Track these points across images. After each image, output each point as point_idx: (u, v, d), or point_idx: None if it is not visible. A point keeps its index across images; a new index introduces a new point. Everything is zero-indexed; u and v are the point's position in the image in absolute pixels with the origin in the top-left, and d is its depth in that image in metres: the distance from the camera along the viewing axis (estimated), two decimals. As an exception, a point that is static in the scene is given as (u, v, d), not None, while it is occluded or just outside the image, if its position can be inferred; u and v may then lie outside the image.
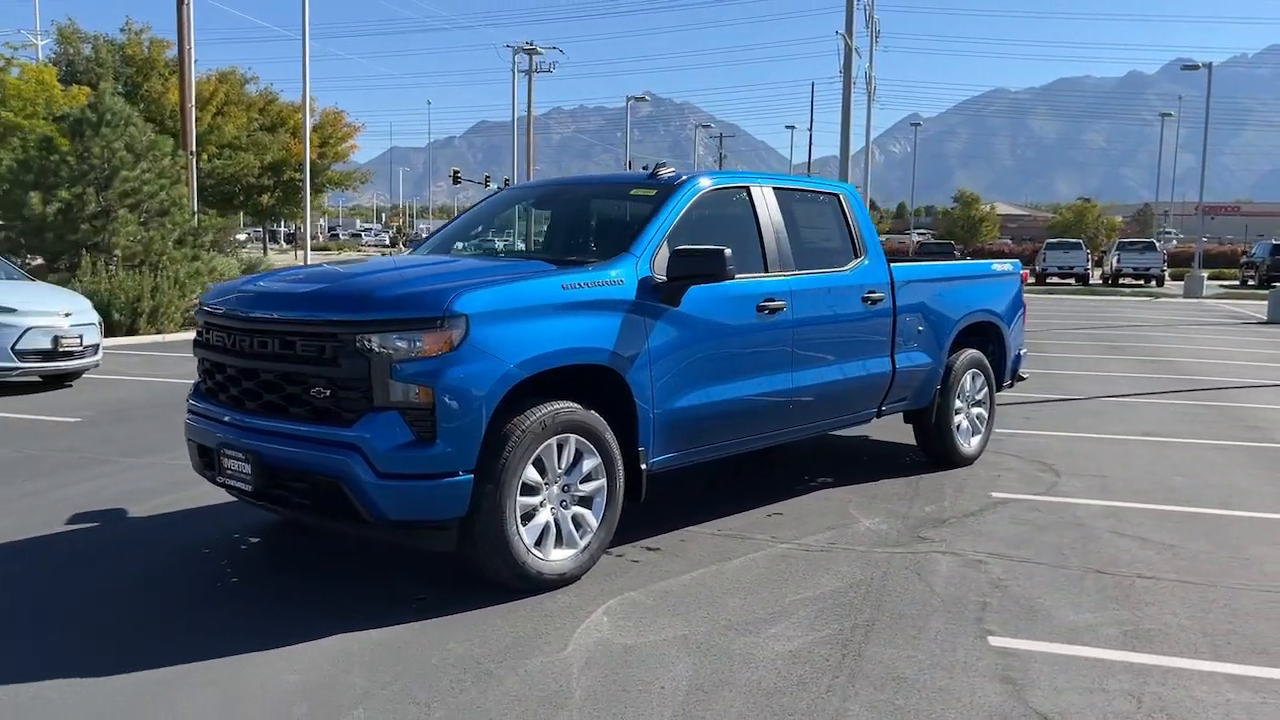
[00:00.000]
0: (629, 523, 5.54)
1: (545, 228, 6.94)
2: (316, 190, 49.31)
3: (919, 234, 73.45)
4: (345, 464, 4.47)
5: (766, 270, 6.09)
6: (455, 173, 62.29)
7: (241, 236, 53.44)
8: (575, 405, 4.93)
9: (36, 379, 11.10)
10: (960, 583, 5.12)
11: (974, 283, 7.88)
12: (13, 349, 10.45)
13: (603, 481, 5.09)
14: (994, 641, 4.37)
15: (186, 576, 5.11)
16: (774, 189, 6.36)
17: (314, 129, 48.05)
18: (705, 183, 5.98)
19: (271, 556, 5.51)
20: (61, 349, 10.82)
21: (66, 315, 11.04)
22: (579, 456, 5.00)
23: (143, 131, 21.03)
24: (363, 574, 5.21)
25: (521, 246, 7.88)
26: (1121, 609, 4.79)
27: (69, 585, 4.94)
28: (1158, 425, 9.69)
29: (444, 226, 7.02)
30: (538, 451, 4.78)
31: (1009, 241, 72.17)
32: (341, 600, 4.77)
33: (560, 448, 4.91)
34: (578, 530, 5.03)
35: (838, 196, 6.88)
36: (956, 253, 42.93)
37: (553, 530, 4.92)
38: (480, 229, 6.88)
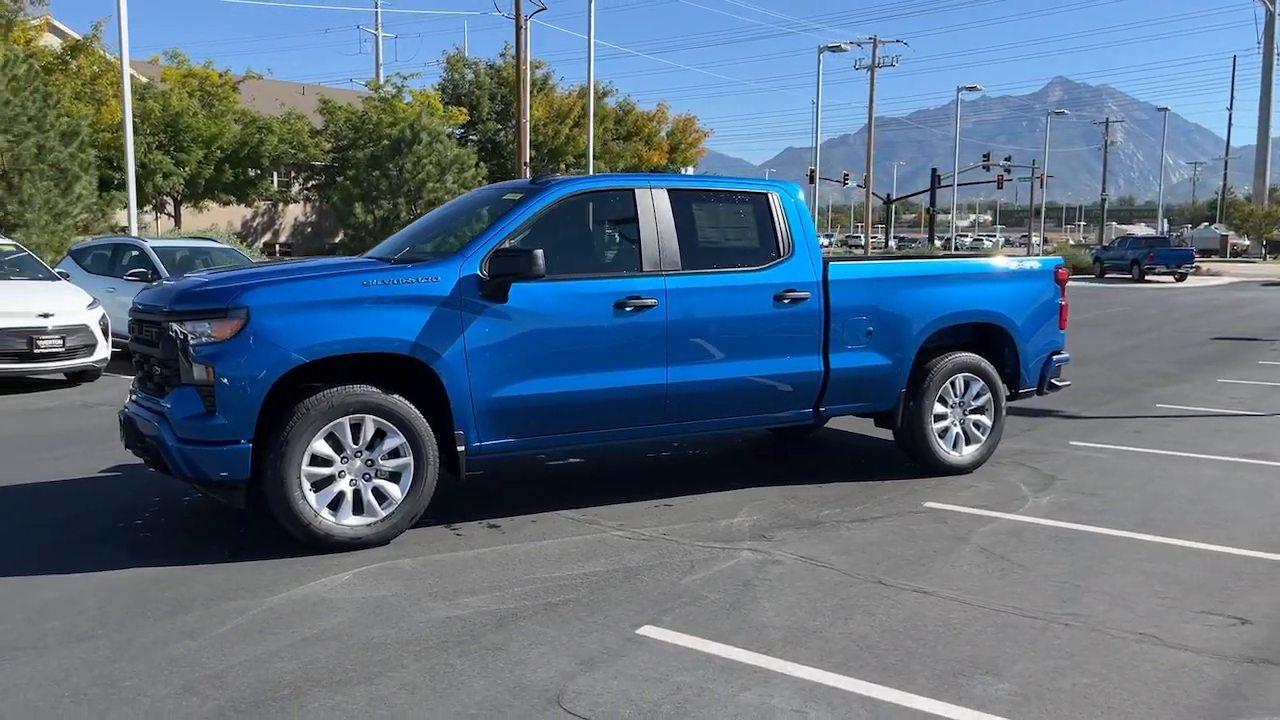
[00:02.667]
0: (496, 499, 6.06)
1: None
2: (666, 193, 51.77)
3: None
4: (159, 428, 5.44)
5: (642, 269, 6.32)
6: (811, 171, 62.76)
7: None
8: (370, 388, 5.56)
9: (61, 376, 11.86)
10: (721, 579, 5.16)
11: (958, 282, 7.44)
12: None
13: (409, 459, 5.67)
14: (640, 632, 4.48)
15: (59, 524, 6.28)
16: (669, 191, 6.54)
17: (666, 135, 50.72)
18: (571, 188, 6.33)
19: (166, 507, 6.54)
20: (38, 350, 11.04)
21: (45, 317, 11.10)
22: (381, 435, 5.62)
23: (449, 149, 23.72)
24: (235, 525, 6.08)
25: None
26: (842, 625, 4.66)
27: None
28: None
29: (405, 229, 7.77)
30: (328, 428, 5.47)
31: None
32: (167, 543, 5.72)
33: (357, 426, 5.55)
34: (381, 501, 5.65)
35: (765, 197, 6.88)
36: None
37: (349, 499, 5.58)
38: (430, 232, 7.51)
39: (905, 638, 4.44)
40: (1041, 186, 64.52)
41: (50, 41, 33.34)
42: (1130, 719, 3.71)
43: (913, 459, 7.41)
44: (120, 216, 36.92)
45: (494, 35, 45.46)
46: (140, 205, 35.88)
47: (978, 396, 7.49)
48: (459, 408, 5.77)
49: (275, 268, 6.23)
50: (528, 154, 31.38)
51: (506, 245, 5.90)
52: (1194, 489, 7.08)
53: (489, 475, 7.35)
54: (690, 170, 58.20)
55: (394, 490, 5.69)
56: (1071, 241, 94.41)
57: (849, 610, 4.76)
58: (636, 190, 6.47)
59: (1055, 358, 7.88)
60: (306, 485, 5.46)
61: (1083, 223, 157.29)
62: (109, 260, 14.17)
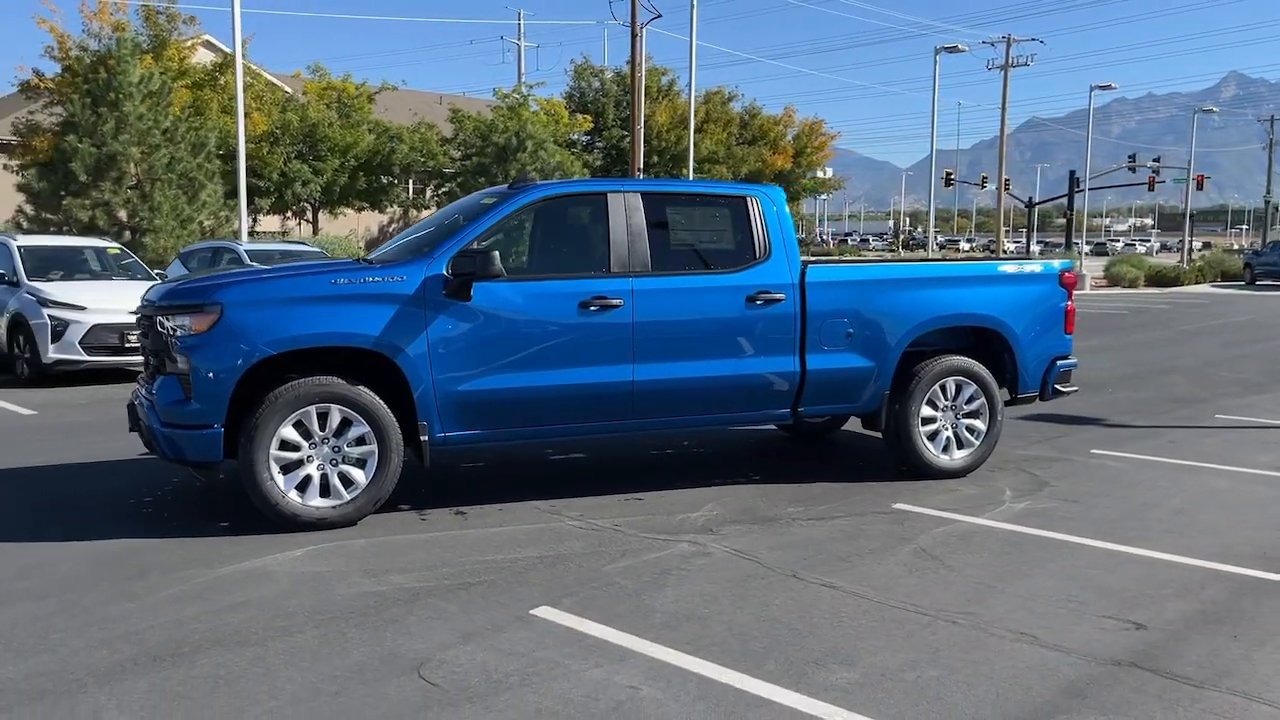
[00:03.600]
0: (477, 489, 6.42)
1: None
2: (793, 198, 51.74)
3: None
4: (149, 413, 6.00)
5: (610, 271, 6.57)
6: (948, 175, 61.62)
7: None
8: (336, 379, 5.99)
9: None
10: (642, 568, 5.38)
11: (946, 285, 7.40)
12: (79, 343, 11.80)
13: (374, 447, 6.08)
14: (534, 612, 4.74)
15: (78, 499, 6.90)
16: (644, 195, 6.77)
17: (792, 139, 50.55)
18: (542, 193, 6.64)
19: (179, 488, 7.10)
20: (128, 344, 11.71)
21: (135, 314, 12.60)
22: (347, 424, 6.04)
23: (551, 155, 24.41)
24: (235, 504, 6.58)
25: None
26: (702, 622, 4.83)
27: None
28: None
29: (403, 233, 8.14)
30: (295, 415, 5.92)
31: None
32: (165, 519, 6.26)
33: (324, 415, 5.99)
34: (346, 486, 6.07)
35: (744, 200, 7.04)
36: None
37: (316, 482, 6.01)
38: (419, 235, 7.83)
39: (783, 627, 4.57)
40: (1199, 188, 61.40)
41: (204, 58, 35.56)
42: (954, 709, 3.78)
43: (901, 462, 7.43)
44: (266, 223, 39.17)
45: (627, 44, 46.15)
46: (281, 211, 38.03)
47: (970, 400, 7.45)
48: (422, 400, 6.13)
49: (264, 269, 6.73)
50: (642, 159, 31.90)
51: (474, 247, 6.24)
52: (1189, 500, 6.89)
53: (485, 465, 7.73)
54: (829, 173, 57.76)
55: (359, 475, 6.09)
56: (1235, 245, 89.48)
57: (745, 600, 4.91)
58: (609, 195, 6.72)
59: (1060, 362, 7.75)
60: (275, 468, 5.91)
61: (1245, 226, 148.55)
62: (209, 262, 15.22)
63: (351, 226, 40.22)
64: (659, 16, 32.19)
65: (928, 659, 4.23)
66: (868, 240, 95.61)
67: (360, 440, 6.08)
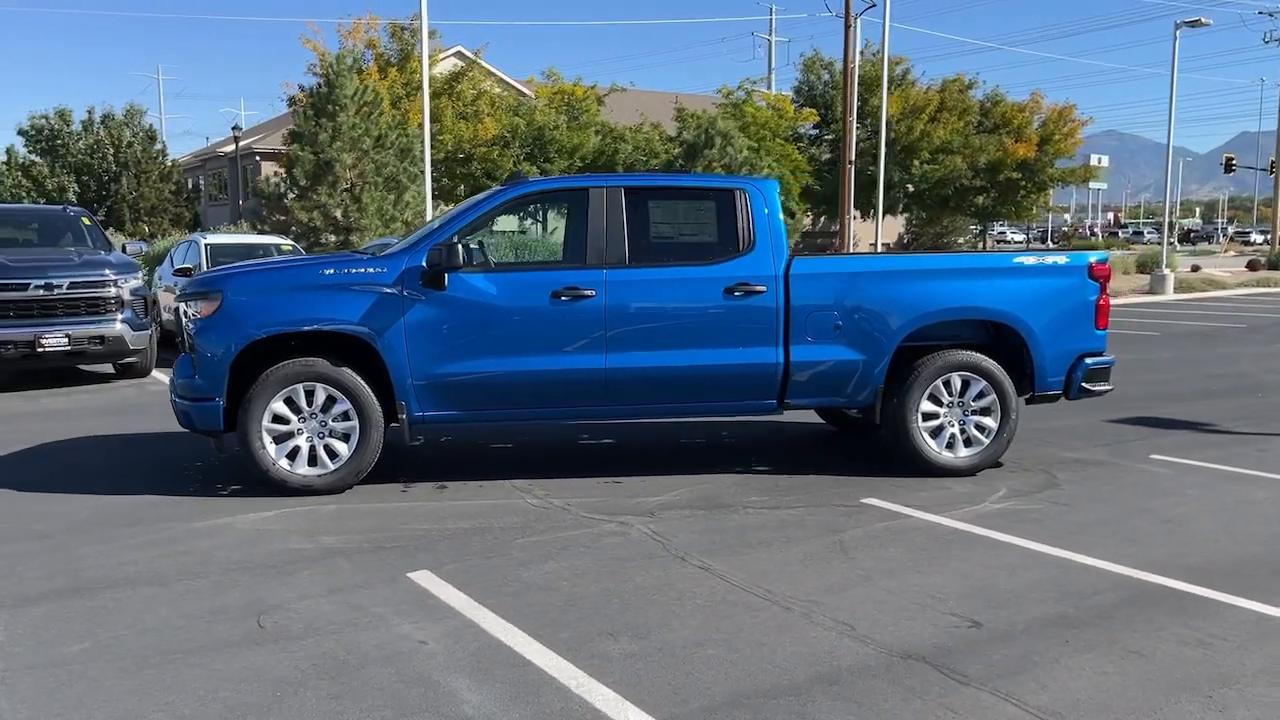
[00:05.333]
0: (471, 467, 6.97)
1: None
2: (1038, 188, 49.26)
3: None
4: (170, 386, 6.89)
5: (585, 262, 6.89)
6: (1273, 163, 57.28)
7: (969, 237, 54.78)
8: (321, 360, 6.64)
9: None
10: (548, 544, 5.69)
11: (948, 277, 7.16)
12: None
13: (356, 423, 6.70)
14: (410, 575, 5.17)
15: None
16: (626, 190, 7.02)
17: (1039, 126, 48.13)
18: (525, 189, 7.04)
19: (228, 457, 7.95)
20: None
21: None
22: (332, 401, 6.69)
23: (739, 150, 24.60)
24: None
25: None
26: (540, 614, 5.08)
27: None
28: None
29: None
30: (285, 392, 6.62)
31: None
32: (194, 480, 7.12)
33: (310, 393, 6.66)
34: (332, 458, 6.72)
35: (732, 194, 7.13)
36: None
37: (304, 452, 6.70)
38: (423, 229, 8.24)
39: (616, 602, 4.77)
40: None
41: (444, 67, 38.10)
42: (694, 682, 3.89)
43: (899, 458, 7.29)
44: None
45: (872, 34, 45.42)
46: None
47: (980, 397, 7.20)
48: (399, 381, 6.69)
49: (270, 261, 7.51)
50: (853, 152, 31.48)
51: (455, 240, 6.72)
52: (1199, 510, 6.41)
53: (511, 447, 8.22)
54: (1098, 161, 54.30)
55: (343, 448, 6.72)
56: None
57: (609, 577, 5.12)
58: (591, 190, 7.02)
59: (1089, 360, 7.33)
60: (267, 438, 6.63)
61: None
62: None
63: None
64: (872, 6, 31.67)
65: (722, 639, 4.33)
66: (1140, 233, 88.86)
67: (345, 416, 6.70)
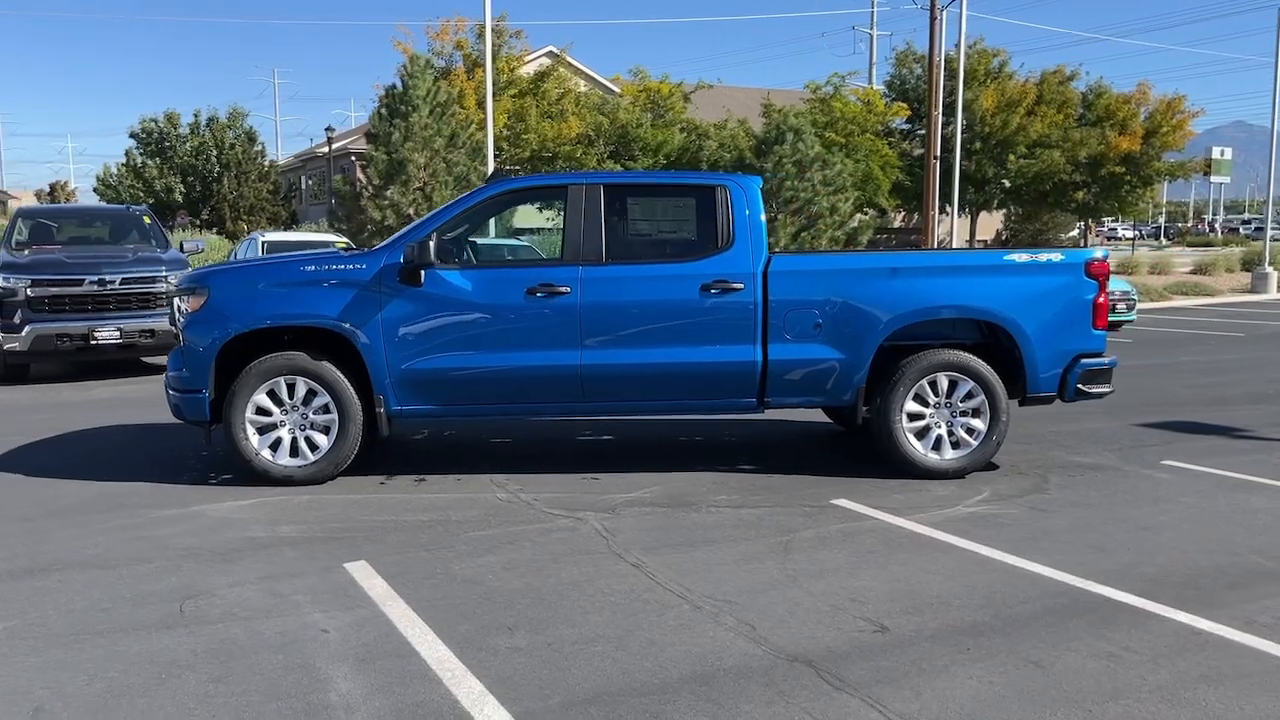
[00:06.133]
0: (458, 460, 7.08)
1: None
2: (1143, 183, 47.54)
3: None
4: (165, 379, 7.17)
5: (562, 259, 6.94)
6: None
7: (1072, 234, 52.98)
8: (301, 354, 6.82)
9: None
10: (497, 538, 5.75)
11: (934, 275, 6.97)
12: None
13: (335, 415, 6.86)
14: (346, 565, 5.28)
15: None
16: (605, 187, 7.04)
17: (1145, 119, 46.46)
18: (504, 187, 7.10)
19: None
20: None
21: None
22: (313, 394, 6.86)
23: (810, 146, 24.25)
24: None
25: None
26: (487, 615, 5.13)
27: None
28: None
29: None
30: (267, 385, 6.82)
31: None
32: (190, 469, 7.38)
33: (292, 386, 6.85)
34: (313, 449, 6.90)
35: (713, 190, 7.08)
36: None
37: (287, 443, 6.89)
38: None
39: (530, 596, 4.81)
40: None
41: (534, 66, 38.55)
42: (567, 677, 3.90)
43: (883, 458, 7.14)
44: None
45: (974, 28, 44.47)
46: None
47: (968, 398, 7.02)
48: (376, 376, 6.83)
49: (258, 259, 7.71)
50: (938, 147, 30.97)
51: (432, 238, 6.83)
52: (1184, 518, 6.15)
53: (511, 442, 8.31)
54: (1221, 153, 52.16)
55: (323, 440, 6.90)
56: None
57: (537, 573, 5.15)
58: (570, 187, 7.05)
59: (1086, 360, 7.07)
60: (251, 429, 6.84)
61: None
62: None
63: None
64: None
65: (617, 636, 4.33)
66: (1262, 229, 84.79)
67: (325, 409, 6.87)
